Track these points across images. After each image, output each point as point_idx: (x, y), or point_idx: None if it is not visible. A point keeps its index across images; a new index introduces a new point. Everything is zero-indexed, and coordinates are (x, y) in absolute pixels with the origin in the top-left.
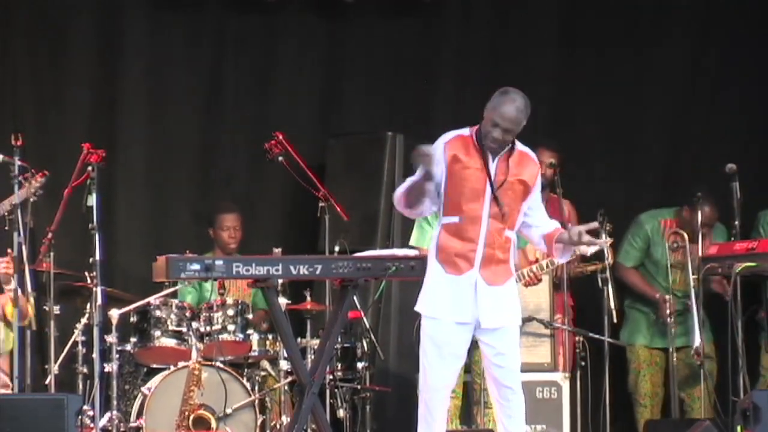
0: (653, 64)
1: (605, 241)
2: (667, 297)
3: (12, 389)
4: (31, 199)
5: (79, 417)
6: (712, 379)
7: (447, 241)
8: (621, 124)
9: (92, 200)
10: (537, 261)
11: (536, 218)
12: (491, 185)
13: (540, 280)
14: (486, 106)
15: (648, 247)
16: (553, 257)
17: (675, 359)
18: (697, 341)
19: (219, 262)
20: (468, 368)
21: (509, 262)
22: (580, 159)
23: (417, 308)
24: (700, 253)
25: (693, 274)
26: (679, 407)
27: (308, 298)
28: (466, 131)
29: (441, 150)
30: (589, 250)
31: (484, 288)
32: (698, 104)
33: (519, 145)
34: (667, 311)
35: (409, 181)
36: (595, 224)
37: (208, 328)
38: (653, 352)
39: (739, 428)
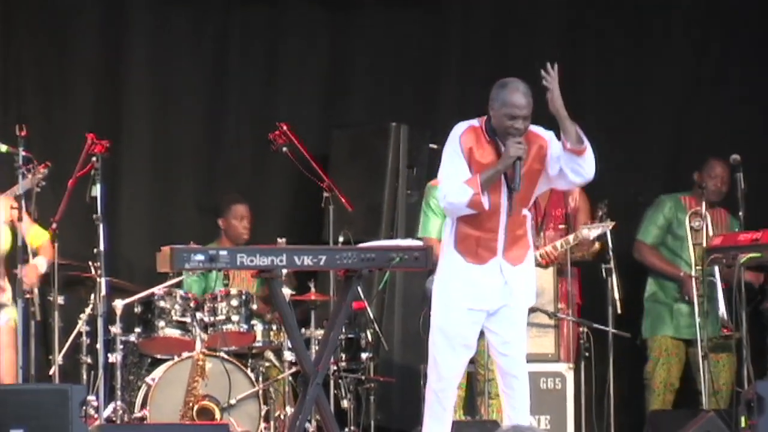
0: (656, 56)
1: (608, 224)
2: (693, 274)
3: (17, 380)
4: (35, 190)
5: (84, 407)
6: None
7: (466, 231)
8: (625, 116)
9: (96, 191)
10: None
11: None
12: (506, 177)
13: (557, 260)
14: (490, 104)
15: (670, 224)
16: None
17: (701, 344)
18: (722, 311)
19: (223, 253)
20: (471, 359)
21: (527, 235)
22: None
23: (434, 300)
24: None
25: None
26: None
27: (312, 289)
28: (475, 122)
29: (457, 143)
30: (591, 234)
31: (509, 270)
32: (702, 95)
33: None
34: (693, 289)
35: (485, 174)
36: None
37: (212, 319)
38: (676, 343)
39: (743, 419)
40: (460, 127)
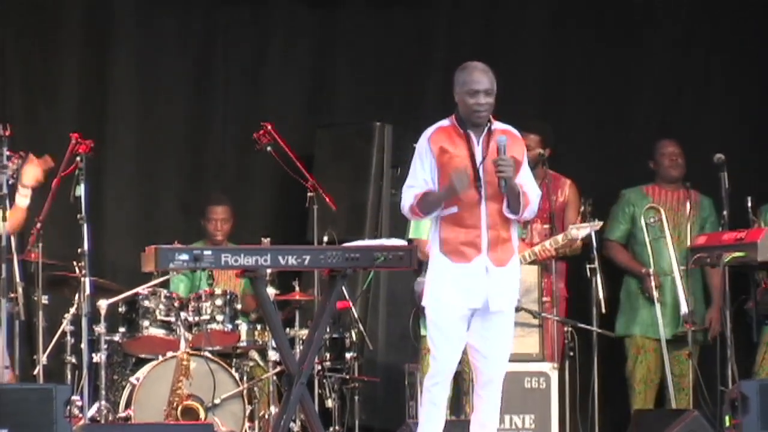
0: (644, 50)
1: (594, 224)
2: (651, 270)
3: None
4: (9, 182)
5: (68, 407)
6: (695, 354)
7: (449, 232)
8: (611, 110)
9: (81, 190)
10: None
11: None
12: (483, 167)
13: (554, 256)
14: (455, 90)
15: (633, 218)
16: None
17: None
18: (683, 308)
19: (207, 252)
20: None
21: (512, 240)
22: (570, 144)
23: (424, 303)
24: (688, 210)
25: (674, 243)
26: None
27: (297, 289)
28: (445, 122)
29: (426, 146)
30: (581, 234)
31: (494, 270)
32: (688, 92)
33: (497, 124)
34: (652, 285)
35: (430, 197)
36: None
37: (196, 318)
38: (650, 340)
39: (727, 418)
40: (429, 130)
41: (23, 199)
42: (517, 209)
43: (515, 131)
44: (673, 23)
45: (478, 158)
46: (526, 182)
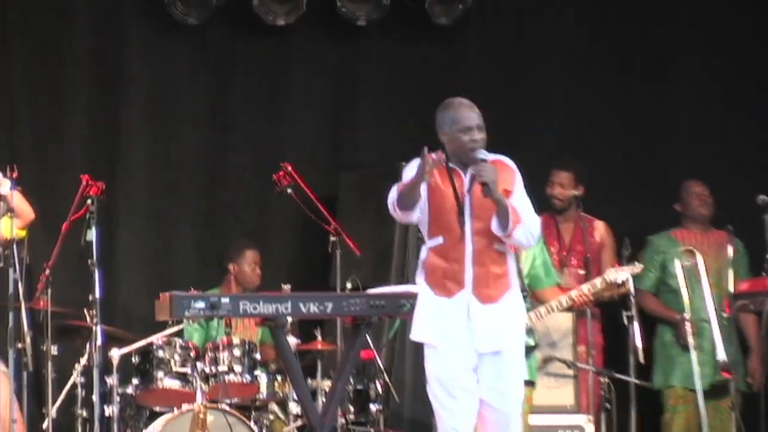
0: (675, 85)
1: (634, 267)
2: (686, 316)
3: None
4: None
5: None
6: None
7: (434, 262)
8: (643, 148)
9: (92, 234)
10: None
11: None
12: (470, 201)
13: (592, 302)
14: (440, 132)
15: (664, 264)
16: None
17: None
18: (720, 355)
19: (225, 300)
20: None
21: (508, 275)
22: (601, 182)
23: (410, 335)
24: (730, 253)
25: (710, 287)
26: None
27: (319, 338)
28: (433, 155)
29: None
30: (620, 278)
31: (478, 308)
32: (724, 131)
33: (489, 155)
34: (688, 332)
35: (406, 180)
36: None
37: (213, 369)
38: (690, 392)
39: None
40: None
41: None
42: (505, 224)
43: (507, 160)
44: (706, 59)
45: (465, 191)
46: (520, 206)
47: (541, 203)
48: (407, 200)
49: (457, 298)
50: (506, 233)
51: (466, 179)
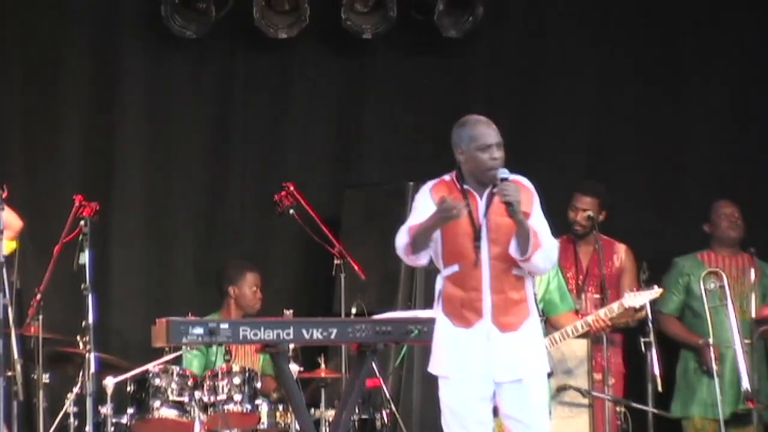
0: (698, 103)
1: (653, 291)
2: (710, 341)
3: None
4: None
5: None
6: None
7: (451, 292)
8: (666, 169)
9: (85, 258)
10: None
11: None
12: (487, 225)
13: (609, 327)
14: (457, 150)
15: (689, 288)
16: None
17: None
18: (745, 384)
19: (224, 326)
20: None
21: (527, 301)
22: (621, 205)
23: (429, 369)
24: (752, 278)
25: (735, 313)
26: None
27: (322, 365)
28: (446, 177)
29: (427, 196)
30: (637, 303)
31: (498, 337)
32: (748, 150)
33: (509, 174)
34: (712, 358)
35: (419, 225)
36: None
37: (212, 398)
38: (710, 421)
39: None
40: (430, 183)
41: None
42: (525, 248)
43: (525, 181)
44: (728, 77)
45: (481, 215)
46: (539, 229)
47: (556, 223)
48: (422, 245)
49: (477, 328)
50: (525, 257)
51: (482, 202)
